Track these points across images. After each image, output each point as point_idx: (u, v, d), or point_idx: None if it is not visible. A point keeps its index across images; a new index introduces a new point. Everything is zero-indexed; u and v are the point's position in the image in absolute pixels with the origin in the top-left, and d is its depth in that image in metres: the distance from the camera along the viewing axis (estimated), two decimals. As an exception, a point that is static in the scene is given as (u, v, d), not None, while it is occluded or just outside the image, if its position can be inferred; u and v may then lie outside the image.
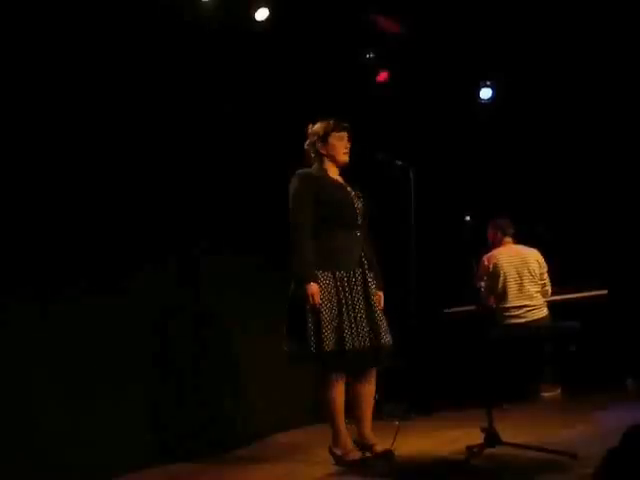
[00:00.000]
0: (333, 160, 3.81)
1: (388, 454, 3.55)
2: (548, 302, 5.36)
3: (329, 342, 3.50)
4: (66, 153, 3.90)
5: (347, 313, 3.57)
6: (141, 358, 4.12)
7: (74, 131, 3.95)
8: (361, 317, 3.59)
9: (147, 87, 4.29)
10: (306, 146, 3.86)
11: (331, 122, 3.80)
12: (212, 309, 4.63)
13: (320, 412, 3.81)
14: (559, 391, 5.27)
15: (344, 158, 3.80)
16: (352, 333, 3.54)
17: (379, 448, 3.60)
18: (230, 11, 4.62)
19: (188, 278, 4.54)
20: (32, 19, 3.77)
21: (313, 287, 3.53)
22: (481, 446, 3.37)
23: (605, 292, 5.33)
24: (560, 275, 5.37)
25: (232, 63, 4.77)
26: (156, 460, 4.00)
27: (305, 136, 3.87)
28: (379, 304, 3.74)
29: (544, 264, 5.37)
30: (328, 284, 3.59)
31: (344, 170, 3.87)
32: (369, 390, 3.75)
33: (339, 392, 3.63)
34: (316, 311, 3.53)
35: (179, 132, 4.50)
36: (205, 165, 4.66)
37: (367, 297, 3.66)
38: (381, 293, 3.81)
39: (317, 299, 3.52)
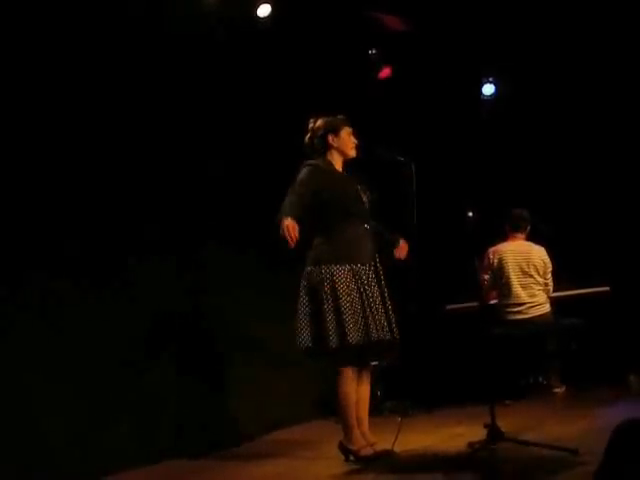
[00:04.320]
0: (342, 154, 3.80)
1: (389, 452, 3.54)
2: (551, 299, 5.34)
3: (353, 335, 3.46)
4: (72, 152, 3.91)
5: (369, 306, 3.55)
6: (141, 357, 4.12)
7: (80, 131, 3.96)
8: (379, 310, 3.59)
9: (151, 85, 4.30)
10: (307, 140, 3.84)
11: (342, 117, 3.80)
12: (215, 307, 4.62)
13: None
14: (564, 388, 5.27)
15: (353, 153, 3.81)
16: (376, 325, 3.53)
17: (379, 447, 3.59)
18: (232, 8, 4.62)
19: (193, 277, 4.54)
20: (32, 18, 3.77)
21: (287, 220, 3.30)
22: (483, 442, 3.37)
23: (607, 289, 5.32)
24: (563, 272, 5.35)
25: (234, 60, 4.77)
26: (157, 458, 4.01)
27: (306, 131, 3.85)
28: (403, 252, 3.83)
29: (549, 263, 5.29)
30: (346, 278, 3.55)
31: (347, 165, 3.87)
32: (365, 389, 3.74)
33: (353, 388, 3.62)
34: (287, 242, 3.29)
35: (186, 129, 4.51)
36: (210, 162, 4.66)
37: (381, 291, 3.66)
38: (402, 243, 3.84)
39: (293, 232, 3.29)
